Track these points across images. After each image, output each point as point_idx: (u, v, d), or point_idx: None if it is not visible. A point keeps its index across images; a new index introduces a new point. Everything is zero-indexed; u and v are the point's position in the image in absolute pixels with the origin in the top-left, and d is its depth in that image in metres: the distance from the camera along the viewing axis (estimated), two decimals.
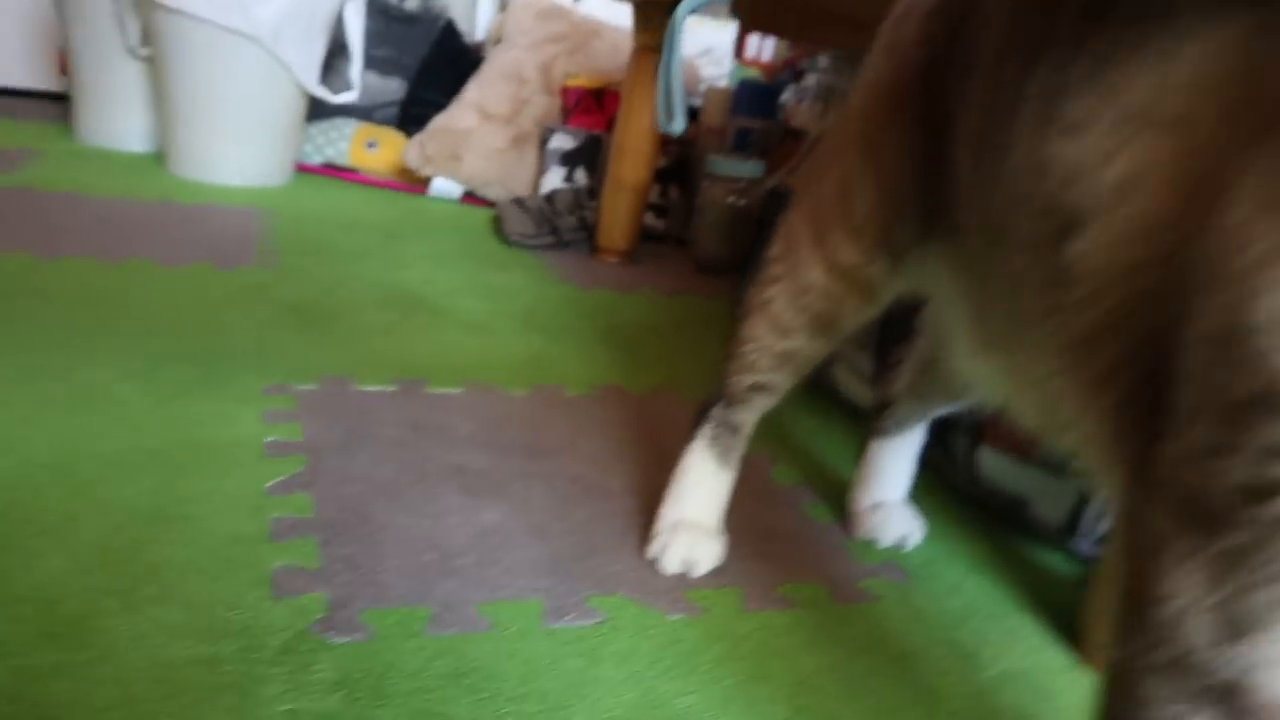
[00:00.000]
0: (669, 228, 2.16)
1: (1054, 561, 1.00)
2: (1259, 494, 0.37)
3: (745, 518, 0.96)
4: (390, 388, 1.14)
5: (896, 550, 0.96)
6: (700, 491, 0.87)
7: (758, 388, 0.84)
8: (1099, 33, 0.49)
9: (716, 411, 0.86)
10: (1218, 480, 0.39)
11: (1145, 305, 0.46)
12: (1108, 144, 0.47)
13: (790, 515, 1.00)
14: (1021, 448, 0.99)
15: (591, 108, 2.21)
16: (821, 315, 0.78)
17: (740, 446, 0.87)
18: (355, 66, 2.23)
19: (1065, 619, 0.89)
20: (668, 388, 1.29)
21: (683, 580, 0.84)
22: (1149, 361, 0.45)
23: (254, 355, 1.16)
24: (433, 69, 2.40)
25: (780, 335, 0.80)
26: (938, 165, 0.68)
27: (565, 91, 2.24)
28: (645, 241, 2.09)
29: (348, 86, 2.21)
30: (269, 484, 0.88)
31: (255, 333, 1.23)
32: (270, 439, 0.96)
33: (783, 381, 0.84)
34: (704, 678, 0.72)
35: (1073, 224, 0.50)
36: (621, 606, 0.79)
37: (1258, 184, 0.38)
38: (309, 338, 1.25)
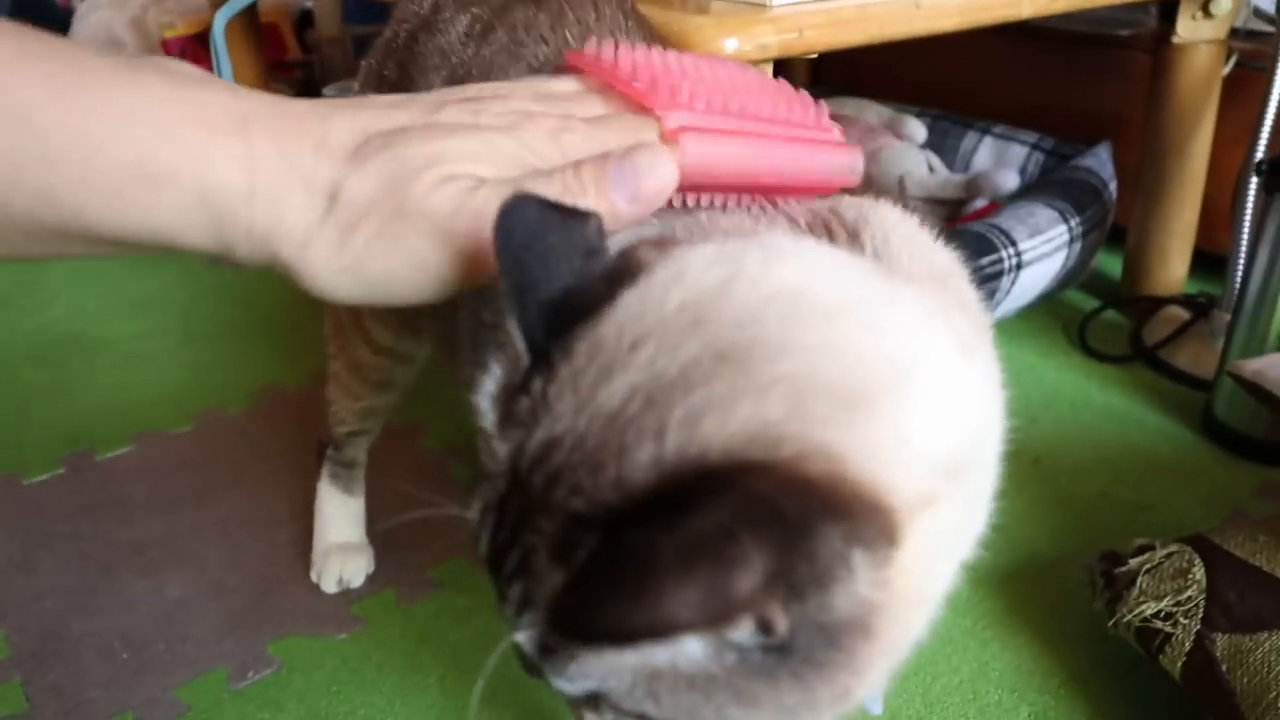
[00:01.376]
0: None
1: None
2: None
3: (397, 501, 1.12)
4: (60, 470, 1.22)
5: None
6: (337, 519, 1.04)
7: (353, 433, 0.99)
8: None
9: (330, 452, 1.02)
10: None
11: None
12: None
13: (437, 487, 1.18)
14: None
15: (200, 55, 2.17)
16: (379, 381, 0.93)
17: (359, 475, 1.04)
18: None
19: None
20: (323, 370, 1.42)
21: (346, 596, 1.02)
22: None
23: None
24: None
25: (354, 399, 0.95)
26: None
27: (166, 44, 2.18)
28: None
29: None
30: None
31: None
32: None
33: (373, 425, 0.99)
34: (369, 689, 0.91)
35: None
36: (296, 646, 0.96)
37: None
38: None
